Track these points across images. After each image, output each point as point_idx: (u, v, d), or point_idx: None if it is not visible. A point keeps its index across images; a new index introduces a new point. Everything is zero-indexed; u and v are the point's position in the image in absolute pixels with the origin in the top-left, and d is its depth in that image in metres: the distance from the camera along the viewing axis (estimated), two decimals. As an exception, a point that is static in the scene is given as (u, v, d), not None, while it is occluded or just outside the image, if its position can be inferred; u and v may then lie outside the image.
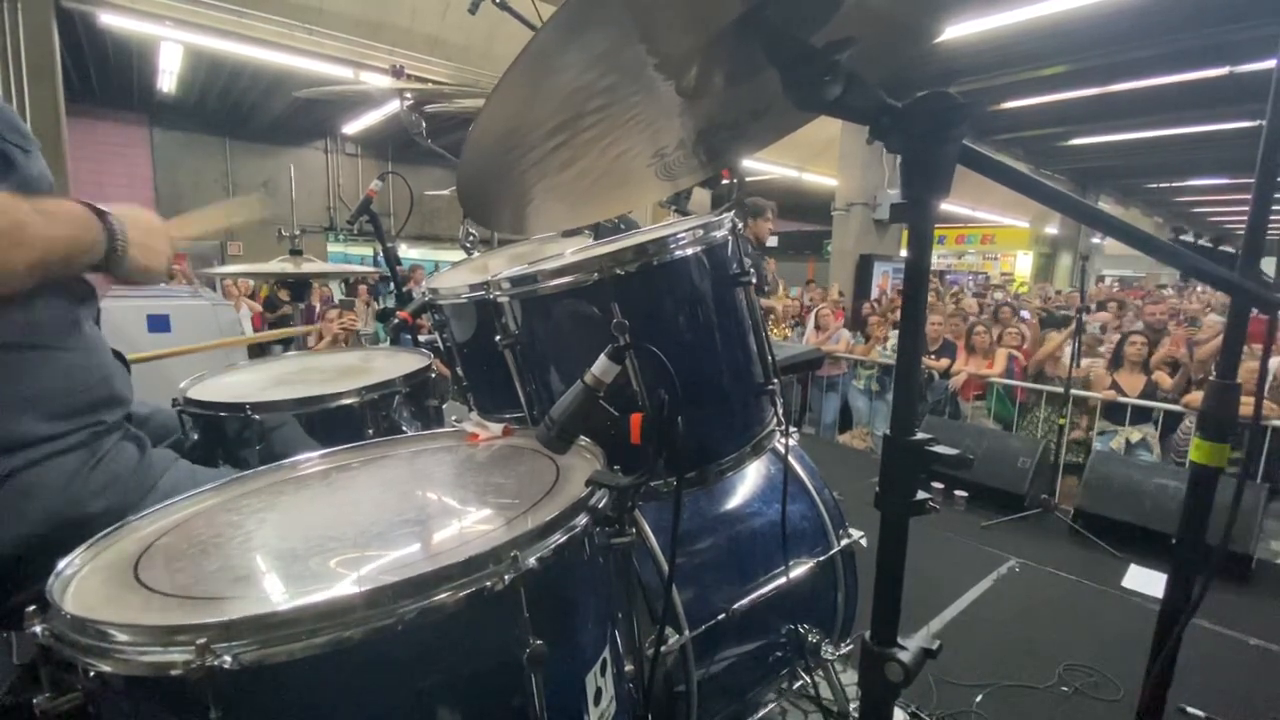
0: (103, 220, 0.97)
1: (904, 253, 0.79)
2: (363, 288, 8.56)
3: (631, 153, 0.97)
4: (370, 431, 1.44)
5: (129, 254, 0.99)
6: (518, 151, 0.83)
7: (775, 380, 1.24)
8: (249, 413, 1.37)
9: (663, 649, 1.19)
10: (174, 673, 0.56)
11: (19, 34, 5.60)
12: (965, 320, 5.88)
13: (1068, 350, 4.51)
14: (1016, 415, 5.13)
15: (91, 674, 0.60)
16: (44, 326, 0.98)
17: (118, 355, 1.17)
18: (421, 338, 2.00)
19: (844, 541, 1.60)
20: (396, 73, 2.44)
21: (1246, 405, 1.34)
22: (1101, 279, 16.63)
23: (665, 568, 1.24)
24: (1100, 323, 7.11)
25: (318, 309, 7.25)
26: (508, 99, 0.72)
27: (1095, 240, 13.79)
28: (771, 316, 5.76)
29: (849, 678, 1.57)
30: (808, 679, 1.51)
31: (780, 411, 1.27)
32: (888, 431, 0.79)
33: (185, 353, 2.51)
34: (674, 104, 0.86)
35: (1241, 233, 1.26)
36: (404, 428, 1.53)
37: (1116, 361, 4.81)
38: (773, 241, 4.86)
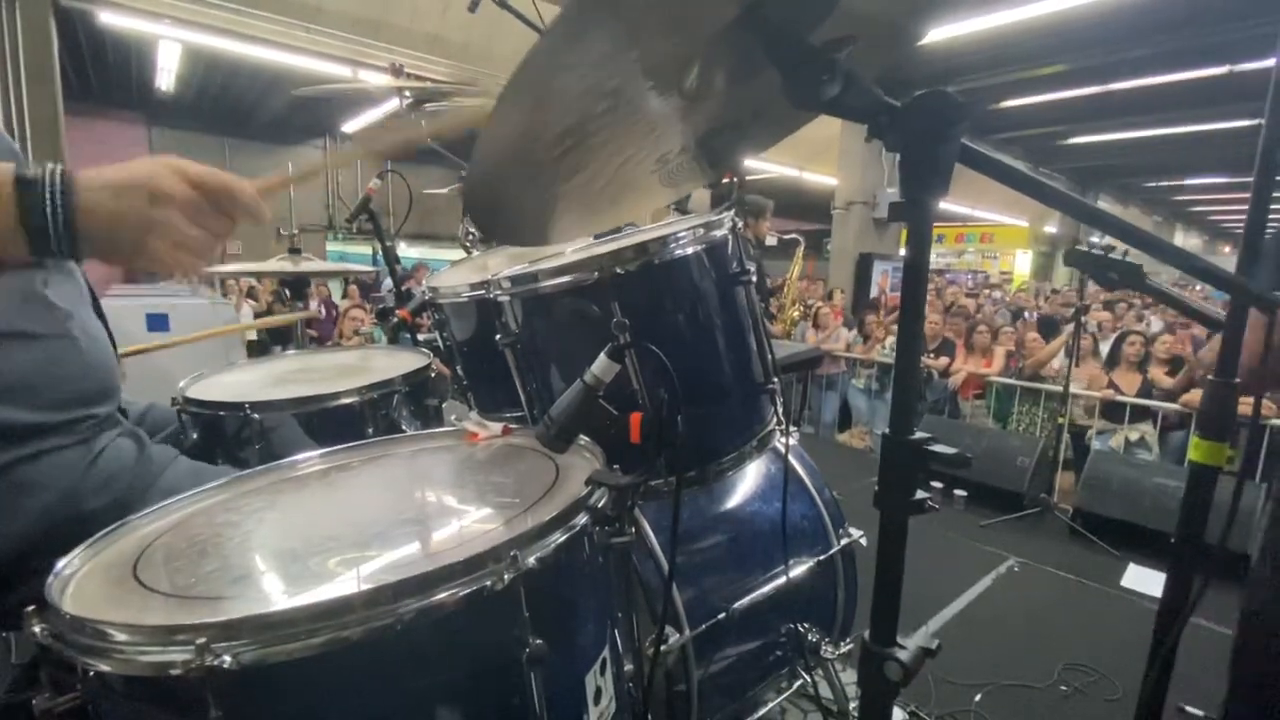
0: (21, 185, 0.68)
1: (903, 251, 0.79)
2: (353, 288, 8.55)
3: (635, 159, 0.96)
4: (370, 431, 1.44)
5: (79, 227, 0.70)
6: (529, 158, 0.82)
7: (775, 379, 1.24)
8: (248, 412, 1.37)
9: (663, 648, 1.20)
10: (174, 672, 0.56)
11: (18, 34, 5.59)
12: (966, 320, 5.88)
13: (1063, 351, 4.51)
14: (1016, 405, 5.13)
15: (91, 674, 0.60)
16: (22, 313, 0.95)
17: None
18: (421, 337, 2.00)
19: (844, 541, 1.60)
20: (396, 71, 2.44)
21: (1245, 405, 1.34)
22: (1107, 278, 16.53)
23: (665, 567, 1.24)
24: (1098, 321, 7.10)
25: (316, 306, 7.22)
26: (515, 107, 0.71)
27: (1094, 239, 13.79)
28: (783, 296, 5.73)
29: (849, 677, 1.57)
30: (807, 678, 1.51)
31: (780, 410, 1.27)
32: (887, 430, 0.79)
33: (179, 344, 2.48)
34: (676, 106, 0.86)
35: (1240, 232, 1.26)
36: (404, 427, 1.53)
37: (1112, 361, 4.81)
38: (771, 240, 4.86)
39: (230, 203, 0.78)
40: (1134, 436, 4.51)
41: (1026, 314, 8.02)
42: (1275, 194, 1.21)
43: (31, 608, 0.63)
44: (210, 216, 0.77)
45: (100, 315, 1.14)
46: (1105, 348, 5.16)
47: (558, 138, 0.80)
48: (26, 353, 0.96)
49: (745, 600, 1.39)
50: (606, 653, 0.84)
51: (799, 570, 1.49)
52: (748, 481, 1.57)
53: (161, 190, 0.73)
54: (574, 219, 1.05)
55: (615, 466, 0.88)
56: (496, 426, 1.16)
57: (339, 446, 1.14)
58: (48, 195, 0.69)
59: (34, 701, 0.63)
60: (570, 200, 0.96)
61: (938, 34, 6.69)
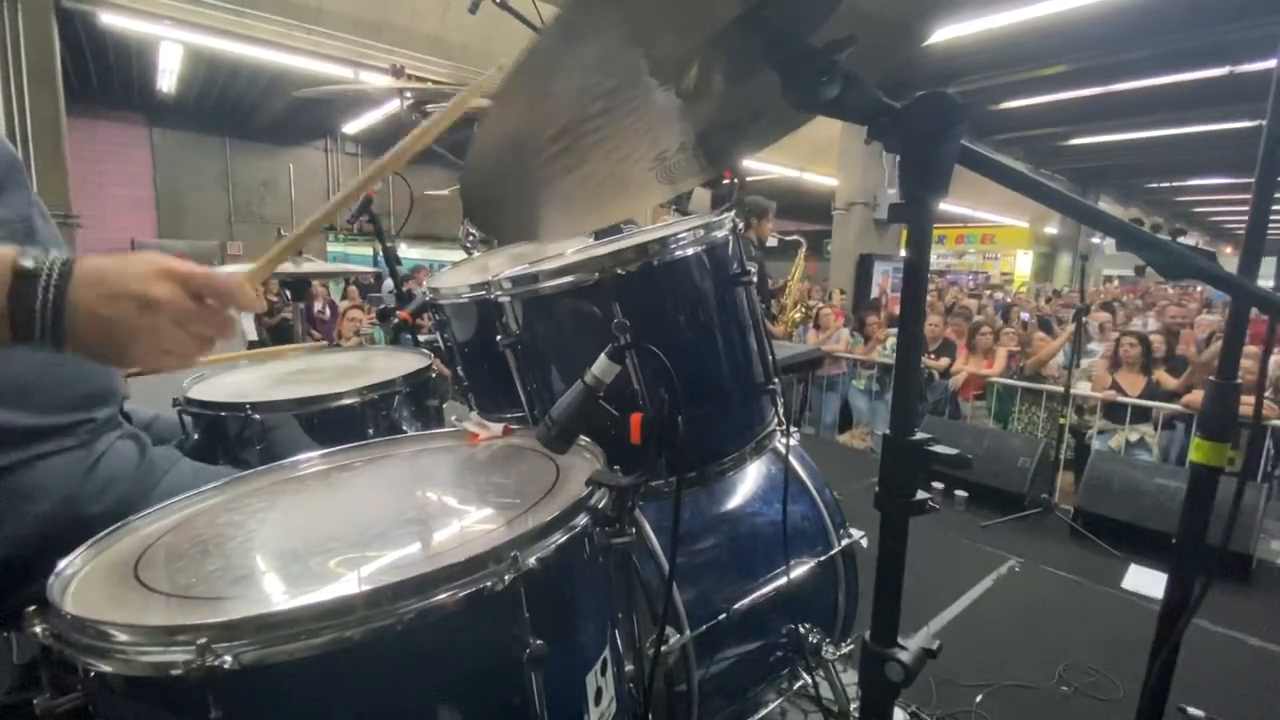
0: (18, 276, 0.65)
1: (904, 252, 0.79)
2: (353, 289, 8.57)
3: (633, 157, 0.97)
4: (371, 431, 1.44)
5: (65, 327, 0.67)
6: (523, 156, 0.83)
7: (776, 380, 1.24)
8: (249, 412, 1.37)
9: (663, 648, 1.20)
10: (174, 673, 0.56)
11: (19, 34, 5.60)
12: (968, 320, 5.87)
13: (1064, 350, 4.51)
14: (1016, 406, 5.13)
15: (92, 674, 0.60)
16: None
17: None
18: (421, 338, 2.00)
19: (844, 541, 1.59)
20: (396, 72, 2.44)
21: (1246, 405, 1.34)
22: (1110, 280, 16.56)
23: (666, 567, 1.24)
24: (1099, 322, 7.09)
25: (320, 305, 7.25)
26: (510, 106, 0.71)
27: (1095, 240, 13.77)
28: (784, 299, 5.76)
29: (849, 677, 1.57)
30: (808, 679, 1.51)
31: (781, 411, 1.27)
32: (887, 431, 0.79)
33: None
34: (674, 106, 0.86)
35: (1241, 233, 1.26)
36: (404, 427, 1.53)
37: (1116, 361, 4.81)
38: (772, 242, 4.86)
39: (222, 301, 0.75)
40: (1134, 437, 4.51)
41: (1025, 315, 7.96)
42: (1277, 195, 1.21)
43: (33, 608, 0.63)
44: (199, 321, 0.73)
45: None
46: (1103, 348, 5.16)
47: (553, 136, 0.80)
48: (25, 355, 0.96)
49: (746, 601, 1.39)
50: (607, 653, 0.84)
51: (800, 571, 1.49)
52: (748, 482, 1.57)
53: (152, 298, 0.70)
54: (571, 215, 1.05)
55: (616, 467, 0.88)
56: (497, 427, 1.16)
57: (340, 447, 1.14)
58: (40, 289, 0.66)
59: (35, 701, 0.63)
60: (566, 197, 0.96)
61: (939, 34, 6.69)
